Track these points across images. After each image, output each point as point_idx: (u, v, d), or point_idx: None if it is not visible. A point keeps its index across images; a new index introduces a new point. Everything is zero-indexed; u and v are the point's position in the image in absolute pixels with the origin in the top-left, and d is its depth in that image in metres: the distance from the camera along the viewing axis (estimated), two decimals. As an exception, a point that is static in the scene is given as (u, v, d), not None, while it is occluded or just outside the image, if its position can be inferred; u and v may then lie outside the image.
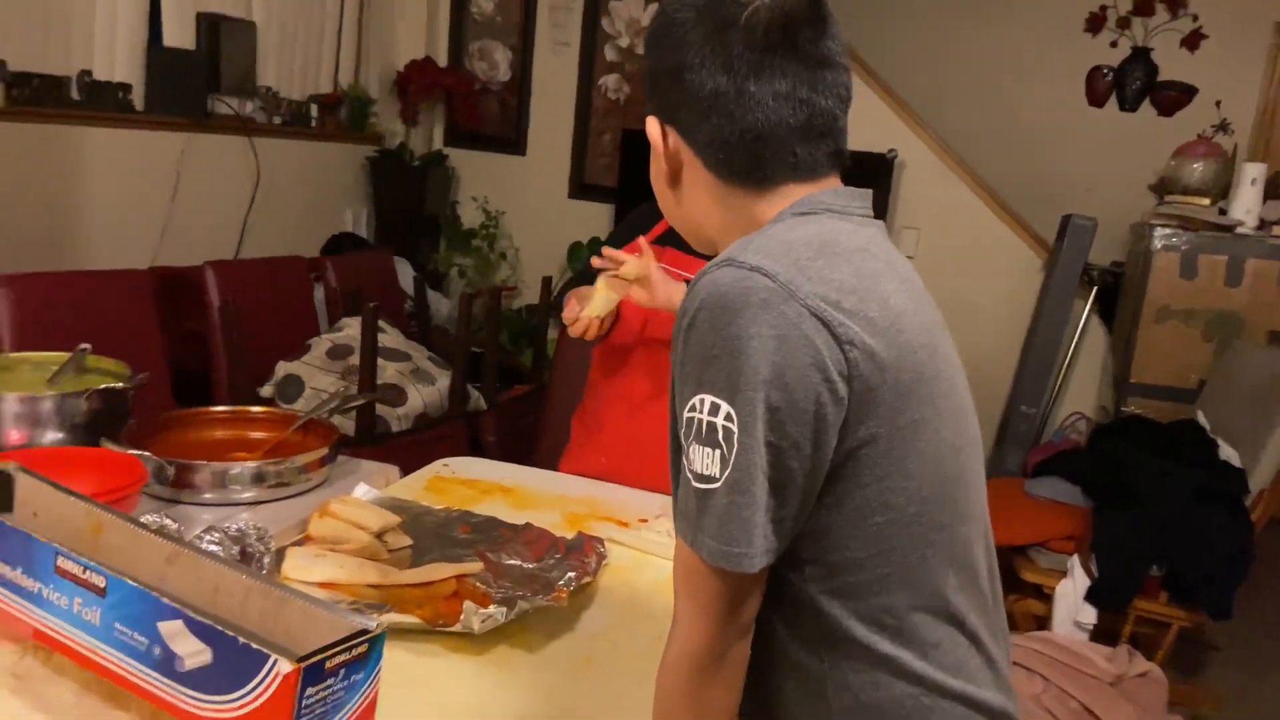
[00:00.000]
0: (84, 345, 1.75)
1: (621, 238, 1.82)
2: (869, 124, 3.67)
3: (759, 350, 0.73)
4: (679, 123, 0.88)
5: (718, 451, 0.74)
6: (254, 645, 0.68)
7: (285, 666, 0.66)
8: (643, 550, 1.49)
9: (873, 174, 3.69)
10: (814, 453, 0.76)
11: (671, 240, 1.73)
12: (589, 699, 1.11)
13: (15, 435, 1.55)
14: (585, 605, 1.31)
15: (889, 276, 0.83)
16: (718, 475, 0.74)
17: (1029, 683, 1.97)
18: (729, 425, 0.74)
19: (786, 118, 0.83)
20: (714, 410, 0.74)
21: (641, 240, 1.62)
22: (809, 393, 0.75)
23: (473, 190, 4.52)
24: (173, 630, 0.72)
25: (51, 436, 1.56)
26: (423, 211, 4.30)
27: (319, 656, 0.68)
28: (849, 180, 0.91)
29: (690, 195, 0.92)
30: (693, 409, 0.76)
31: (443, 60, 4.52)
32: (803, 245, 0.80)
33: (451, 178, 4.56)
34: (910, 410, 0.79)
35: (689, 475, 0.77)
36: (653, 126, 0.91)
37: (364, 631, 0.73)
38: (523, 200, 4.44)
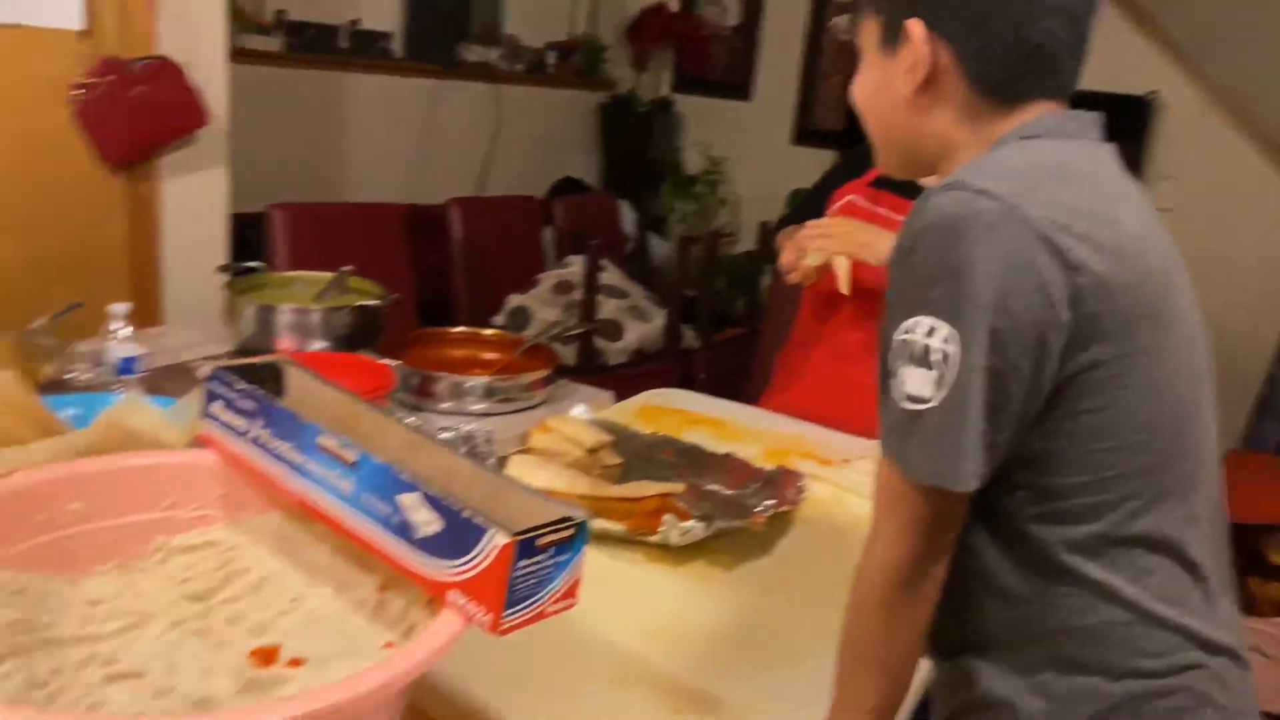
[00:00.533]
0: (347, 267, 1.95)
1: (833, 182, 1.81)
2: (1125, 62, 3.38)
3: (984, 274, 0.73)
4: (948, 27, 0.83)
5: (933, 373, 0.74)
6: (476, 519, 0.76)
7: (502, 539, 0.74)
8: (843, 488, 1.50)
9: (1127, 117, 3.40)
10: (1033, 377, 0.75)
11: (889, 184, 1.70)
12: (779, 617, 1.15)
13: (287, 342, 1.76)
14: (781, 533, 1.34)
15: (1120, 201, 0.80)
16: (930, 396, 0.75)
17: (1266, 669, 1.82)
18: (948, 348, 0.74)
19: (1061, 32, 0.81)
20: (931, 333, 0.74)
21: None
22: (1033, 317, 0.73)
23: (697, 136, 4.57)
24: (410, 502, 0.82)
25: (318, 344, 1.76)
26: (647, 157, 4.40)
27: (531, 534, 0.75)
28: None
29: (931, 108, 0.87)
30: (908, 331, 0.76)
31: (674, 5, 4.56)
32: (1031, 168, 0.78)
33: (677, 124, 4.62)
34: (1137, 338, 0.76)
35: (898, 396, 0.77)
36: (917, 29, 0.84)
37: (570, 518, 0.79)
38: (745, 146, 4.45)
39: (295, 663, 0.83)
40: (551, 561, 0.78)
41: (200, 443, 1.02)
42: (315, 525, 0.98)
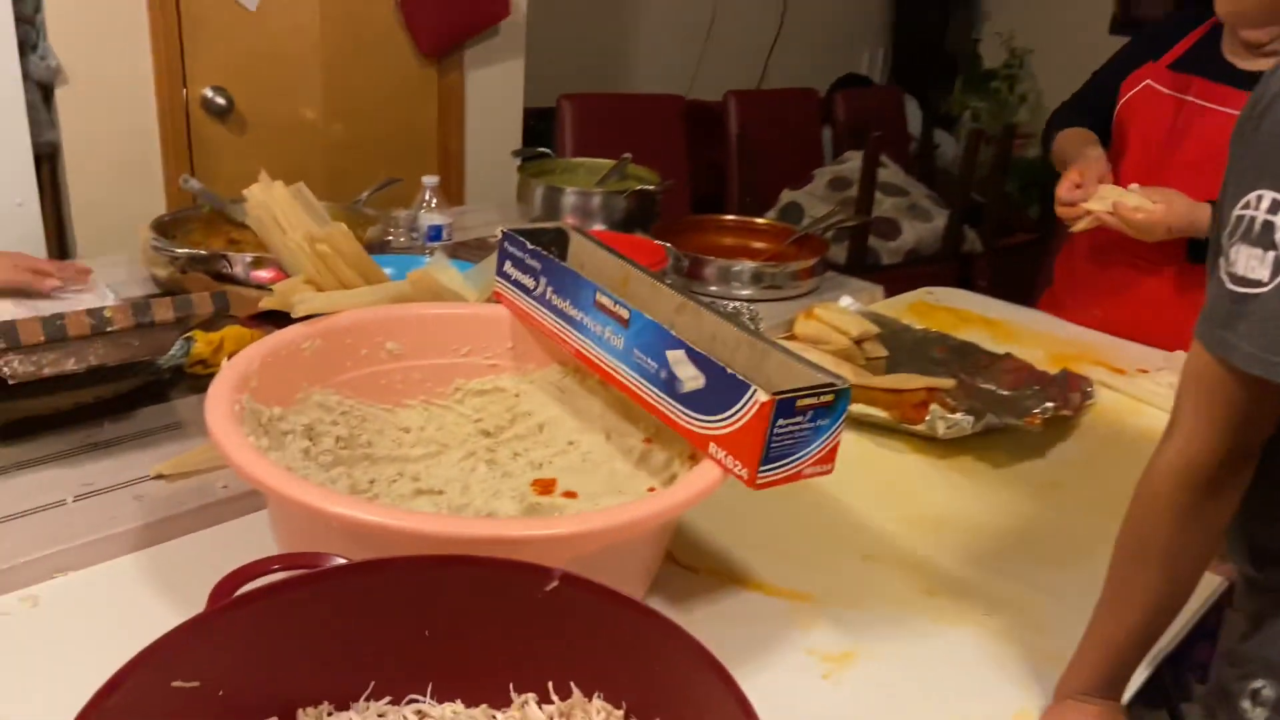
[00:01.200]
0: (626, 155, 2.02)
1: (1127, 64, 1.62)
2: None
3: None
4: None
5: (1271, 254, 0.67)
6: (740, 377, 0.79)
7: (762, 396, 0.76)
8: (1137, 398, 1.39)
9: None
10: None
11: (1194, 67, 1.50)
12: (1048, 519, 1.10)
13: (570, 222, 1.86)
14: (1060, 437, 1.27)
15: None
16: (1266, 280, 0.67)
17: None
18: None
19: None
20: (1275, 208, 0.67)
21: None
22: None
23: (999, 26, 4.22)
24: (677, 358, 0.86)
25: (597, 225, 1.85)
26: (942, 48, 4.13)
27: (791, 394, 0.77)
28: None
29: None
30: (1246, 206, 0.68)
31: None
32: None
33: (977, 13, 4.30)
34: None
35: (1226, 277, 0.70)
36: None
37: (832, 384, 0.80)
38: (1054, 36, 4.05)
39: (569, 495, 0.91)
40: (811, 425, 0.79)
41: (494, 299, 1.12)
42: (590, 378, 1.06)
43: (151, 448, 1.05)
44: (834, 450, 0.83)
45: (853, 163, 2.88)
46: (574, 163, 2.10)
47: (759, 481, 0.79)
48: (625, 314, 0.92)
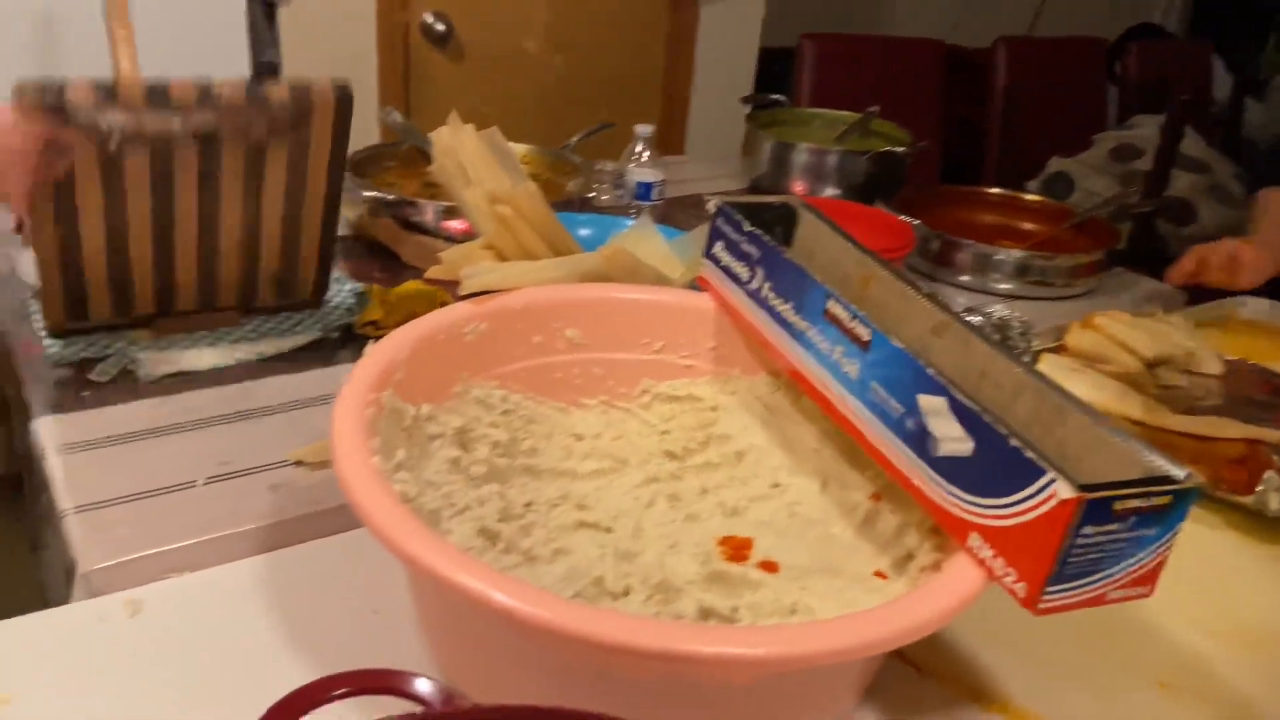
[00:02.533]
0: (873, 108, 1.75)
1: None
2: None
3: None
4: None
5: None
6: (1028, 452, 0.55)
7: (1066, 491, 0.52)
8: None
9: None
10: None
11: None
12: None
13: (800, 186, 1.62)
14: None
15: None
16: None
17: None
18: None
19: None
20: None
21: None
22: None
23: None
24: (933, 407, 0.63)
25: (830, 191, 1.60)
26: (1258, -3, 3.49)
27: (1109, 493, 0.52)
28: None
29: None
30: None
31: None
32: None
33: (1310, -45, 3.59)
34: None
35: None
36: None
37: (1169, 479, 0.55)
38: None
39: (768, 566, 0.70)
40: (1128, 535, 0.55)
41: (699, 284, 0.92)
42: (807, 400, 0.84)
43: (307, 421, 0.93)
44: (1156, 570, 0.57)
45: (1143, 129, 2.44)
46: (810, 113, 1.85)
47: (1043, 605, 0.55)
48: (865, 334, 0.69)
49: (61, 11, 1.63)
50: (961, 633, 0.77)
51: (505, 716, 0.40)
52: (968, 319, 0.75)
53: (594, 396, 0.89)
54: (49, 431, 0.86)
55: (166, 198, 0.93)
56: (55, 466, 0.82)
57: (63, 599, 0.76)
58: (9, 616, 0.66)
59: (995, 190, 1.62)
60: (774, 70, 2.59)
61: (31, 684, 0.60)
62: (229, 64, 1.77)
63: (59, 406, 0.90)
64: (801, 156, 1.61)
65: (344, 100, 1.00)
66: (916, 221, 1.35)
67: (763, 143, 1.65)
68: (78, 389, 0.93)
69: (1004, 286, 1.36)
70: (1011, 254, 1.37)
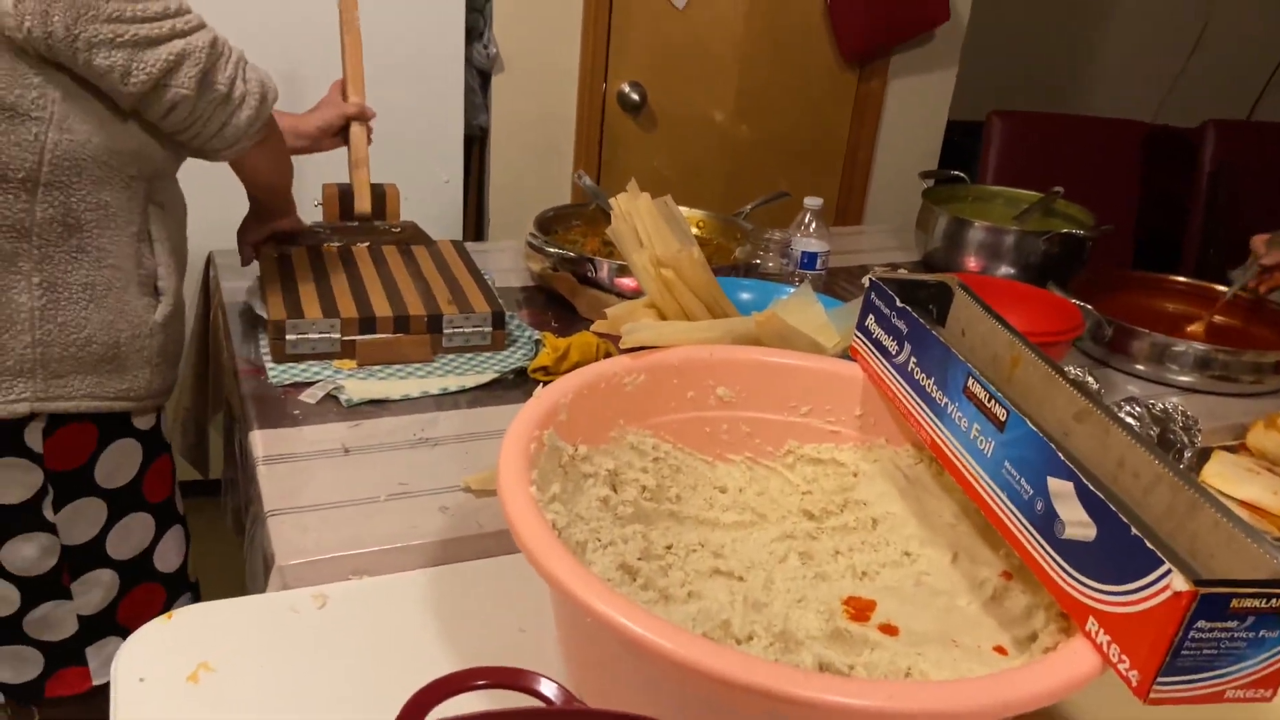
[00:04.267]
0: (1057, 188, 1.73)
1: None
2: None
3: None
4: None
5: None
6: (1148, 542, 0.56)
7: (1180, 584, 0.53)
8: None
9: None
10: None
11: None
12: None
13: (974, 263, 1.62)
14: None
15: None
16: None
17: None
18: None
19: None
20: None
21: None
22: None
23: None
24: (1061, 490, 0.64)
25: (1005, 270, 1.59)
26: None
27: (1226, 589, 0.53)
28: None
29: None
30: None
31: None
32: None
33: None
34: None
35: None
36: None
37: (1295, 584, 0.54)
38: None
39: (888, 629, 0.73)
40: (1246, 636, 0.54)
41: (850, 354, 0.96)
42: (948, 475, 0.86)
43: (477, 453, 1.02)
44: (1277, 674, 0.56)
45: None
46: (991, 190, 1.84)
47: (1154, 695, 0.56)
48: (1002, 414, 0.71)
49: (305, 74, 1.86)
50: (1076, 710, 0.76)
51: (614, 721, 0.45)
52: (1112, 408, 0.76)
53: (740, 452, 0.94)
54: (261, 443, 1.00)
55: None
56: (264, 474, 0.94)
57: (260, 588, 0.87)
58: (218, 598, 0.78)
59: (1182, 279, 1.57)
60: (963, 142, 2.58)
61: (233, 657, 0.70)
62: (446, 124, 1.97)
63: (272, 422, 1.04)
64: (976, 234, 1.61)
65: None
66: (1089, 306, 1.33)
67: (937, 218, 1.66)
68: (289, 408, 1.07)
69: (1181, 378, 1.31)
70: (1192, 346, 1.32)
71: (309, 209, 1.31)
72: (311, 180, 1.66)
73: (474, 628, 0.78)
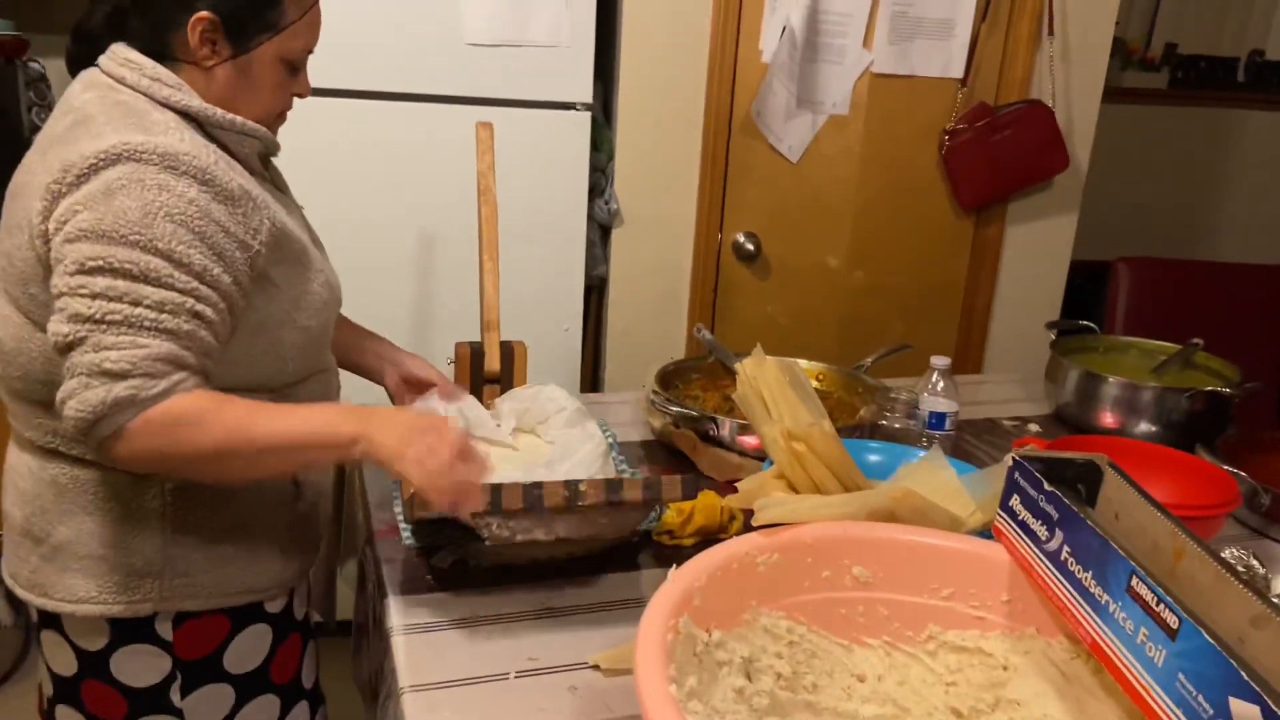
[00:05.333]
0: (1196, 340, 1.67)
1: None
2: None
3: None
4: None
5: None
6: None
7: None
8: None
9: None
10: None
11: None
12: None
13: (1110, 419, 1.56)
14: None
15: None
16: None
17: None
18: None
19: None
20: None
21: None
22: None
23: None
24: (1246, 715, 0.59)
25: (1144, 428, 1.53)
26: None
27: None
28: None
29: None
30: None
31: None
32: None
33: None
34: None
35: None
36: None
37: None
38: None
39: None
40: None
41: (993, 534, 0.92)
42: (1106, 673, 0.80)
43: (606, 624, 1.01)
44: None
45: None
46: (1124, 342, 1.78)
47: None
48: (1174, 621, 0.67)
49: (439, 231, 1.96)
50: None
51: None
52: (1295, 613, 0.70)
53: (878, 636, 0.90)
54: (397, 611, 1.01)
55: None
56: (399, 646, 0.95)
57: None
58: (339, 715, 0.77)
59: (1345, 439, 1.47)
60: (1086, 287, 2.52)
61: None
62: (568, 276, 2.03)
63: (407, 589, 1.05)
64: (1111, 390, 1.55)
65: (689, 494, 1.04)
66: (1243, 474, 1.25)
67: (1068, 372, 1.61)
68: (422, 571, 1.08)
69: (1352, 553, 1.22)
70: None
71: (442, 365, 1.35)
72: (443, 339, 1.73)
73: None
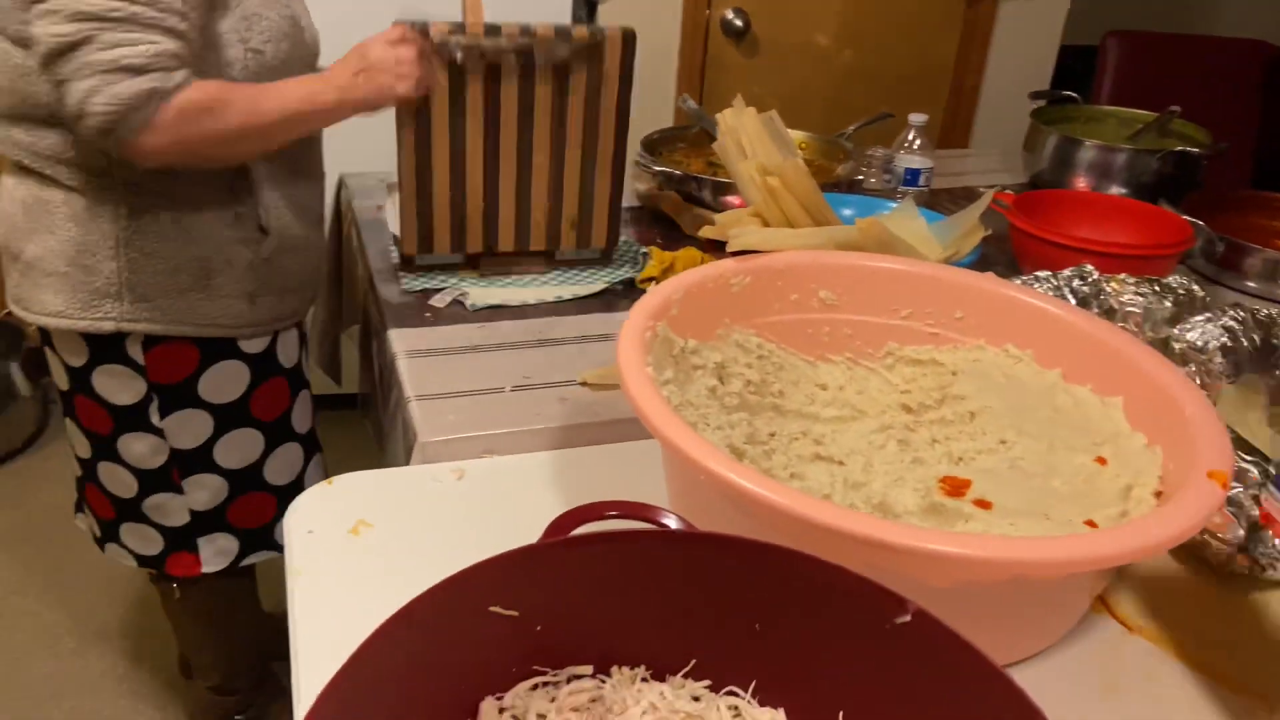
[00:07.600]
0: (1174, 108, 1.69)
1: None
2: None
3: None
4: None
5: None
6: None
7: None
8: None
9: None
10: None
11: None
12: None
13: (1083, 183, 1.61)
14: None
15: None
16: None
17: None
18: None
19: None
20: None
21: None
22: None
23: None
24: None
25: (1115, 190, 1.58)
26: None
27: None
28: None
29: None
30: None
31: None
32: None
33: None
34: None
35: None
36: None
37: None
38: None
39: (981, 504, 0.78)
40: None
41: (953, 260, 0.99)
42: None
43: (591, 355, 1.10)
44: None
45: None
46: (1103, 111, 1.81)
47: None
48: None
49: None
50: (1179, 594, 0.79)
51: (727, 542, 0.52)
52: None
53: (840, 353, 0.98)
54: (399, 340, 1.09)
55: (493, 131, 1.17)
56: (403, 367, 1.03)
57: (402, 464, 0.97)
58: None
59: (1302, 197, 1.53)
60: (1075, 67, 2.51)
61: (384, 518, 0.80)
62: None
63: (407, 324, 1.13)
64: (1087, 153, 1.59)
65: (629, 41, 1.22)
66: (1200, 223, 1.32)
67: (1046, 138, 1.64)
68: (421, 312, 1.16)
69: (1294, 294, 1.30)
70: (1308, 261, 1.30)
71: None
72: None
73: (593, 500, 0.86)
